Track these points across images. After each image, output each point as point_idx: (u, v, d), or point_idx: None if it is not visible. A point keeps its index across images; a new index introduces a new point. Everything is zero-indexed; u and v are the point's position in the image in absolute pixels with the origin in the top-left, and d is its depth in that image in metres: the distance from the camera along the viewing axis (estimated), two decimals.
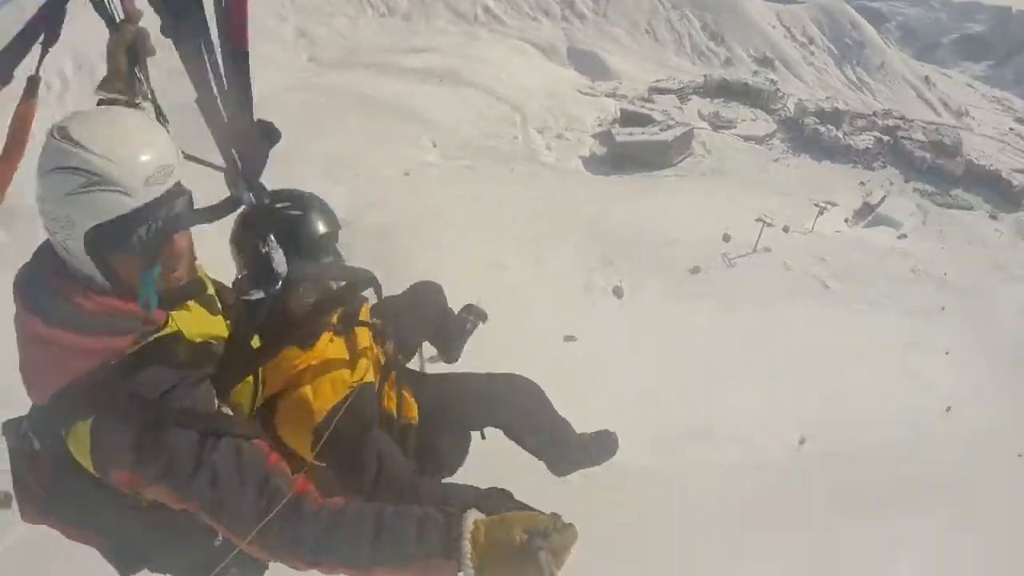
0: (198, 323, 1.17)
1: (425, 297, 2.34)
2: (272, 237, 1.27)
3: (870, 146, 8.71)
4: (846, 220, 8.45)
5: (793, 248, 7.35)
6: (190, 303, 1.18)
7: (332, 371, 1.51)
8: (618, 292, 6.28)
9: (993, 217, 8.65)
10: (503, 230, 6.72)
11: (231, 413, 1.14)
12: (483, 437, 2.07)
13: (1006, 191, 8.74)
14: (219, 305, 1.27)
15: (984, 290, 7.67)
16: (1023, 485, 5.92)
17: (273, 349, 1.36)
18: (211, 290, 1.28)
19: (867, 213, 8.35)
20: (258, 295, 1.27)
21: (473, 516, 1.04)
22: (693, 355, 5.91)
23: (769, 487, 5.10)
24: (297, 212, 1.47)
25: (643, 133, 9.69)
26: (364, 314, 1.75)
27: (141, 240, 0.99)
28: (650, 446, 4.85)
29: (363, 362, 1.61)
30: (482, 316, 3.07)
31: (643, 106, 14.79)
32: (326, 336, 1.52)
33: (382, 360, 1.78)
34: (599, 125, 9.62)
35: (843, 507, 5.08)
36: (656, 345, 5.97)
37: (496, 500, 1.47)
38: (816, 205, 7.90)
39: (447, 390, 1.97)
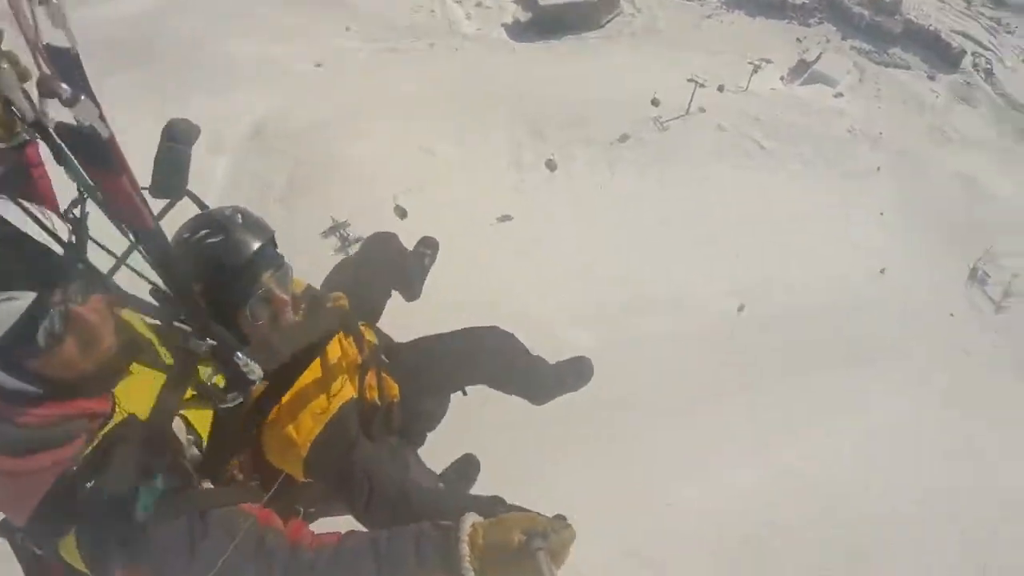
0: (146, 389, 1.14)
1: (379, 250, 2.50)
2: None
3: (806, 1, 8.27)
4: (781, 78, 7.99)
5: (727, 108, 6.87)
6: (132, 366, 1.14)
7: (310, 402, 1.49)
8: (551, 165, 5.76)
9: (931, 78, 8.28)
10: (427, 113, 6.07)
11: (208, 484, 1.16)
12: (464, 394, 2.22)
13: (944, 52, 8.36)
14: (161, 353, 1.23)
15: (920, 152, 7.36)
16: (957, 342, 5.81)
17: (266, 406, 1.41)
18: (148, 334, 1.25)
19: (803, 71, 7.89)
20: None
21: (471, 519, 1.13)
22: (630, 225, 5.50)
23: (715, 355, 4.88)
24: (218, 238, 1.47)
25: None
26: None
27: (51, 334, 0.94)
28: (593, 322, 4.65)
29: (339, 379, 1.60)
30: (435, 246, 3.44)
31: None
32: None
33: (359, 360, 1.79)
34: None
35: (792, 365, 4.95)
36: (592, 217, 5.52)
37: (489, 503, 1.50)
38: (750, 63, 7.39)
39: (423, 358, 2.07)
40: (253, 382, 1.28)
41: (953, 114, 8.02)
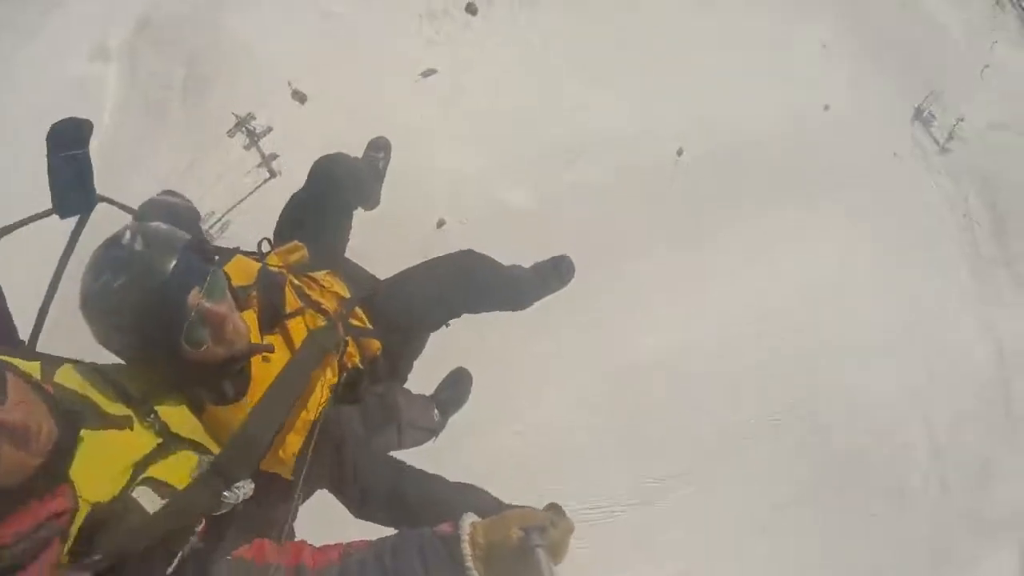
0: (104, 461, 1.03)
1: (326, 175, 2.26)
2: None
3: None
4: None
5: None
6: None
7: (296, 417, 1.43)
8: (471, 9, 5.10)
9: None
10: None
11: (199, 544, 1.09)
12: (447, 326, 2.13)
13: None
14: (106, 406, 1.12)
15: None
16: (899, 182, 5.53)
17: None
18: (85, 389, 1.12)
19: None
20: (233, 498, 1.15)
21: (470, 519, 1.15)
22: (560, 68, 4.93)
23: (656, 204, 4.51)
24: (121, 279, 1.27)
25: None
26: (290, 299, 1.63)
27: None
28: (526, 176, 4.27)
29: (318, 384, 1.53)
30: (387, 147, 3.35)
31: None
32: (258, 366, 1.42)
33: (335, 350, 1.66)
34: None
35: (733, 209, 4.65)
36: (522, 62, 4.93)
37: (491, 502, 1.58)
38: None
39: (399, 304, 1.94)
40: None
41: None
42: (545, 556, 1.05)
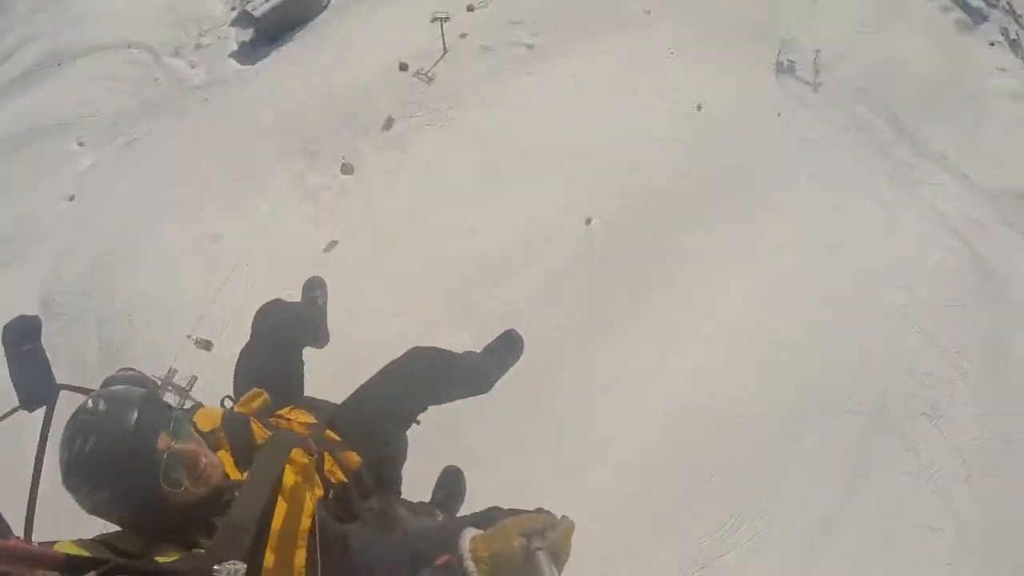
0: None
1: (270, 324, 2.31)
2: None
3: None
4: None
5: (482, 28, 6.20)
6: None
7: (290, 536, 1.38)
8: (346, 169, 5.04)
9: None
10: (196, 195, 5.11)
11: None
12: (418, 423, 2.10)
13: None
14: None
15: None
16: (792, 137, 5.48)
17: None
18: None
19: None
20: (223, 572, 1.12)
21: (470, 534, 1.15)
22: (445, 197, 4.85)
23: (576, 281, 4.41)
24: (90, 440, 1.30)
25: None
26: (257, 432, 1.65)
27: None
28: (463, 319, 4.10)
29: (306, 497, 1.48)
30: (321, 285, 3.41)
31: None
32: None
33: (309, 459, 1.58)
34: (232, 9, 7.67)
35: (649, 255, 4.52)
36: (408, 206, 4.84)
37: (487, 515, 1.62)
38: None
39: (362, 417, 1.93)
40: None
41: None
42: (547, 559, 1.03)
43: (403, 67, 5.59)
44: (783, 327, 4.17)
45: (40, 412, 1.58)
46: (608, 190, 4.53)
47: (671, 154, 4.80)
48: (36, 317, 1.55)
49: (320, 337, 2.94)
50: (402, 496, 2.13)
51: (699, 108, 5.18)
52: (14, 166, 6.59)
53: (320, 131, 5.29)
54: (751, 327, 4.14)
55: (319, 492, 1.58)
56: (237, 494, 1.37)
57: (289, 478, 1.52)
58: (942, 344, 4.42)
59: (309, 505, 1.48)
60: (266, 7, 6.66)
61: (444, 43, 5.80)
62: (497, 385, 2.71)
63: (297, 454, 1.60)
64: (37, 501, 1.55)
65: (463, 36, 6.06)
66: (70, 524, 1.46)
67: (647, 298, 4.10)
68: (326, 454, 1.74)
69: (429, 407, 2.16)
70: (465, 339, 3.91)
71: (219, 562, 1.13)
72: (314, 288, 3.39)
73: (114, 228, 5.41)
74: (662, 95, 5.26)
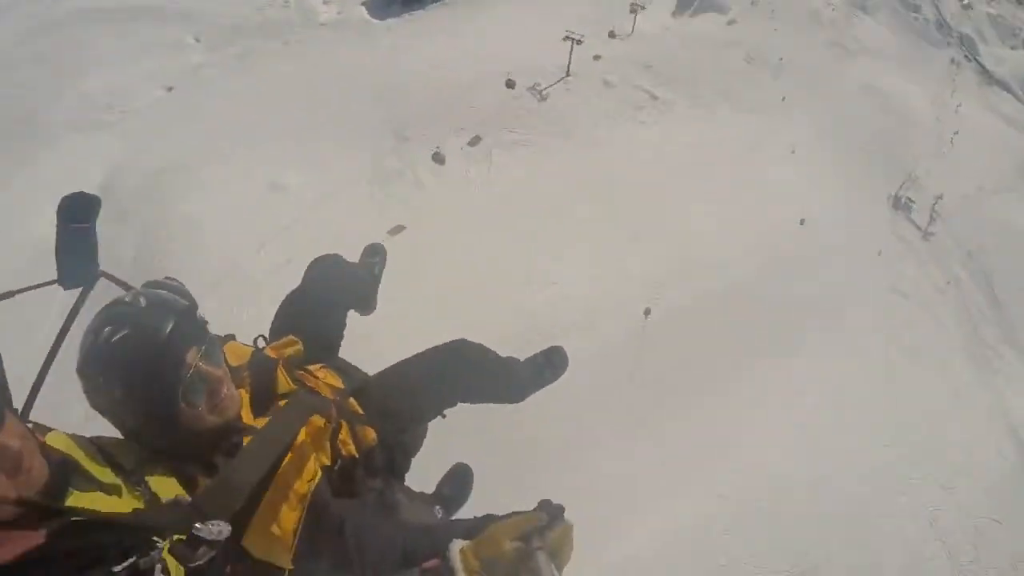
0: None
1: (323, 276, 2.15)
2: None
3: None
4: (672, 14, 6.73)
5: (612, 59, 5.65)
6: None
7: (287, 491, 1.30)
8: (438, 158, 4.55)
9: None
10: (279, 134, 4.81)
11: None
12: (443, 417, 1.95)
13: None
14: (97, 472, 1.03)
15: (823, 70, 6.24)
16: (889, 284, 4.82)
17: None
18: (85, 463, 1.04)
19: (691, 1, 6.63)
20: (209, 556, 1.00)
21: (457, 546, 1.06)
22: (517, 223, 4.36)
23: (620, 377, 3.81)
24: (122, 332, 1.20)
25: None
26: (281, 381, 1.55)
27: None
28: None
29: (311, 459, 1.40)
30: (382, 252, 3.10)
31: None
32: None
33: (327, 427, 1.51)
34: None
35: (709, 367, 3.90)
36: (476, 219, 4.36)
37: (481, 522, 1.39)
38: (632, 2, 6.10)
39: (393, 396, 1.79)
40: (222, 541, 1.00)
41: (852, 25, 6.80)
42: (545, 558, 0.97)
43: (510, 84, 5.03)
44: (801, 489, 3.60)
45: (72, 294, 1.45)
46: (681, 280, 3.93)
47: (757, 263, 4.22)
48: (96, 196, 1.39)
49: (369, 304, 2.72)
50: (406, 484, 1.94)
51: (802, 223, 4.53)
52: (129, 38, 6.26)
53: (417, 116, 4.81)
54: (769, 480, 3.58)
55: (325, 460, 1.47)
56: (245, 445, 1.23)
57: (300, 435, 1.41)
58: (962, 563, 3.81)
59: (312, 469, 1.38)
60: None
61: (569, 65, 5.22)
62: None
63: (315, 418, 1.48)
64: (44, 384, 1.35)
65: (595, 59, 5.49)
66: (74, 419, 1.31)
67: (679, 420, 3.54)
68: (343, 424, 1.60)
69: (458, 403, 1.98)
70: None
71: (203, 520, 1.00)
72: (374, 254, 3.05)
73: (193, 141, 5.03)
74: (769, 195, 4.63)
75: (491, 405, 2.29)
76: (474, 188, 4.47)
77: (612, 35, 5.57)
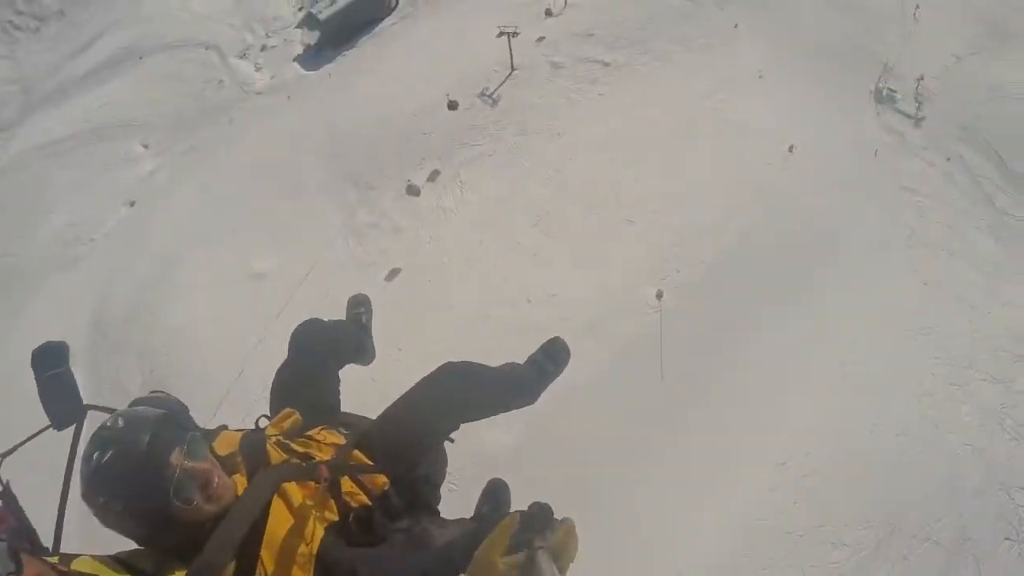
0: None
1: (309, 342, 2.11)
2: None
3: None
4: None
5: (554, 40, 5.22)
6: None
7: (293, 555, 1.30)
8: (412, 190, 4.20)
9: None
10: (244, 222, 4.51)
11: None
12: (451, 441, 1.88)
13: None
14: None
15: None
16: (897, 182, 4.39)
17: None
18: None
19: None
20: None
21: None
22: (504, 239, 4.03)
23: (649, 363, 3.45)
24: (107, 454, 1.24)
25: None
26: (272, 455, 1.54)
27: None
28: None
29: (311, 519, 1.39)
30: (366, 302, 3.10)
31: None
32: None
33: (317, 485, 1.46)
34: (300, 9, 6.73)
35: (733, 332, 3.55)
36: (463, 247, 4.04)
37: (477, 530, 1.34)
38: None
39: (392, 434, 1.73)
40: None
41: None
42: (547, 559, 0.92)
43: (452, 106, 4.63)
44: (863, 438, 3.24)
45: (69, 432, 1.52)
46: (683, 253, 3.57)
47: (759, 209, 3.81)
48: (62, 342, 1.48)
49: (366, 354, 2.68)
50: (439, 515, 1.83)
51: (791, 150, 4.11)
52: (82, 164, 6.01)
53: (372, 161, 4.48)
54: (826, 439, 3.22)
55: (332, 517, 1.45)
56: (218, 527, 1.21)
57: (297, 497, 1.38)
58: None
59: (314, 530, 1.35)
60: (331, 10, 5.78)
61: (512, 60, 4.81)
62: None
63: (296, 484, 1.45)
64: (66, 516, 1.45)
65: (537, 43, 5.07)
66: (99, 539, 1.36)
67: (719, 399, 3.18)
68: (343, 480, 1.55)
69: (460, 423, 1.88)
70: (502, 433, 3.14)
71: None
72: (358, 305, 3.02)
73: (165, 248, 4.76)
74: (750, 131, 4.21)
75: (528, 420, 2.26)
76: (451, 216, 4.13)
77: (549, 13, 5.14)
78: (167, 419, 1.33)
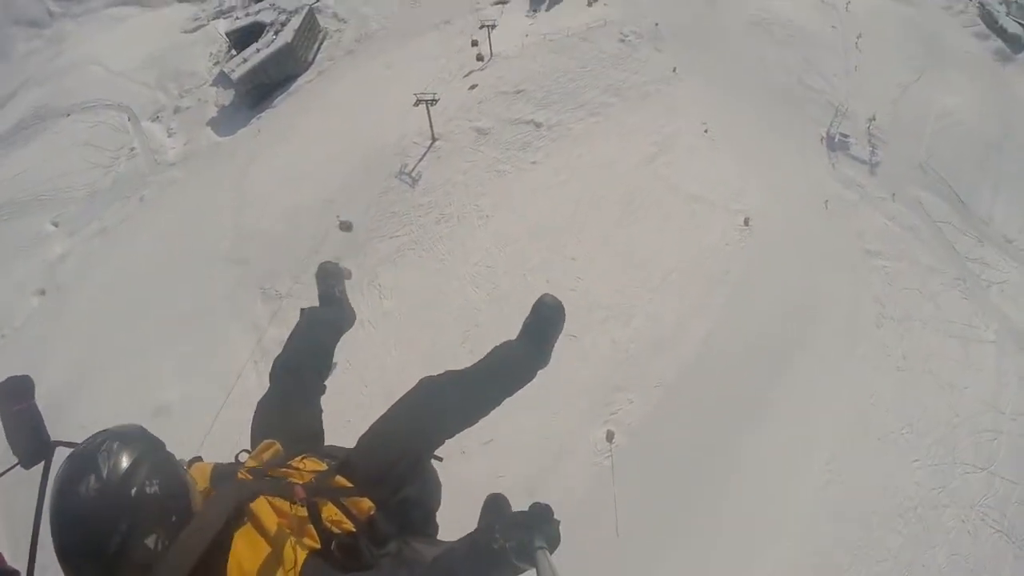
0: None
1: (291, 372, 1.64)
2: None
3: None
4: (529, 15, 5.14)
5: (482, 96, 4.15)
6: None
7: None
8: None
9: None
10: (147, 335, 3.52)
11: None
12: (440, 460, 1.50)
13: None
14: None
15: (703, 20, 4.68)
16: (856, 245, 3.52)
17: None
18: None
19: None
20: None
21: None
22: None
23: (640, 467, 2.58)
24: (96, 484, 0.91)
25: (258, 51, 5.04)
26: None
27: None
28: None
29: (288, 544, 1.08)
30: (336, 272, 2.19)
31: (248, 12, 6.30)
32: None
33: (303, 512, 1.16)
34: (215, 63, 5.59)
35: (680, 473, 2.74)
36: (399, 352, 3.01)
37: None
38: (482, 24, 4.57)
39: (372, 458, 1.38)
40: None
41: None
42: (547, 557, 0.84)
43: (345, 227, 3.52)
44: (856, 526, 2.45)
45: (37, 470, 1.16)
46: (636, 375, 2.63)
47: (720, 304, 3.02)
48: (26, 376, 1.16)
49: (347, 325, 1.88)
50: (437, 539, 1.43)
51: (746, 223, 3.20)
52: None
53: (283, 259, 3.39)
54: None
55: (313, 544, 1.14)
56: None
57: (269, 516, 1.08)
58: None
59: (295, 556, 1.05)
60: (243, 69, 4.62)
61: (432, 130, 3.72)
62: None
63: (284, 504, 1.14)
64: (38, 552, 1.05)
65: (458, 108, 4.01)
66: None
67: (685, 551, 2.40)
68: (323, 506, 1.21)
69: (456, 431, 1.42)
70: None
71: None
72: (328, 276, 2.10)
73: (69, 365, 3.64)
74: (700, 200, 3.29)
75: None
76: (369, 332, 3.12)
77: (480, 58, 4.06)
78: (149, 450, 0.99)
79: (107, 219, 4.50)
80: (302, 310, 2.58)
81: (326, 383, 1.97)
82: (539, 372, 1.94)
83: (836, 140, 3.98)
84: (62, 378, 3.71)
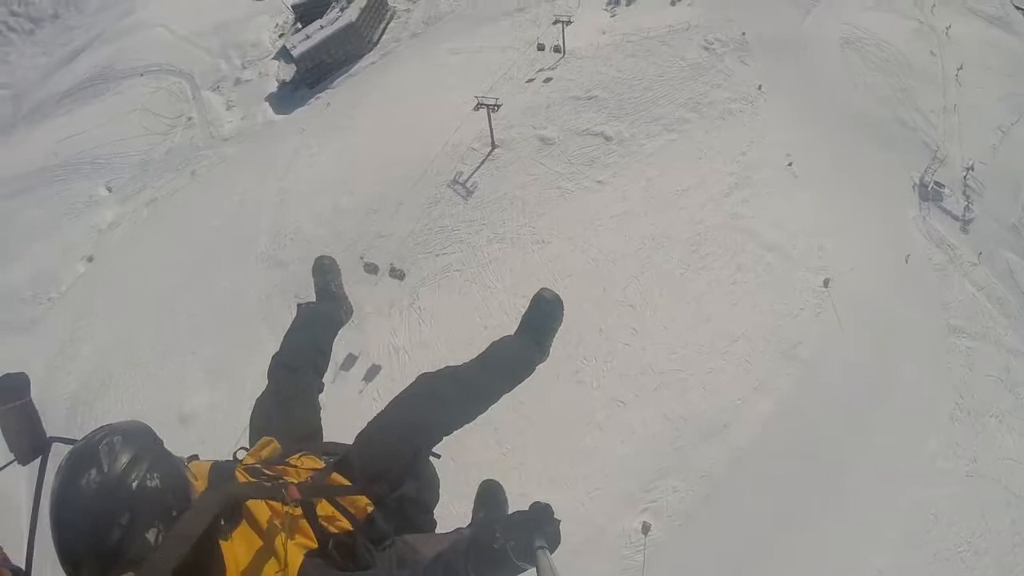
0: None
1: (290, 370, 1.38)
2: None
3: None
4: (609, 9, 4.45)
5: (546, 100, 3.53)
6: None
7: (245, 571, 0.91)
8: (397, 272, 2.70)
9: None
10: (179, 335, 3.17)
11: None
12: (438, 457, 1.27)
13: None
14: None
15: (793, 34, 3.93)
16: (937, 319, 2.89)
17: None
18: None
19: None
20: None
21: None
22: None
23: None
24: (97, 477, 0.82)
25: (321, 28, 4.53)
26: (241, 480, 1.06)
27: None
28: None
29: (279, 539, 0.96)
30: (332, 268, 1.76)
31: None
32: (227, 548, 0.92)
33: (297, 512, 1.00)
34: (280, 35, 5.04)
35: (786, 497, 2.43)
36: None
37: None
38: (556, 20, 3.92)
39: (370, 456, 1.17)
40: None
41: None
42: (547, 557, 0.76)
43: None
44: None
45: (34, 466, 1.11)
46: (684, 460, 2.16)
47: (785, 385, 2.48)
48: (22, 374, 1.09)
49: (344, 320, 1.56)
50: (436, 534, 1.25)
51: (826, 284, 2.58)
52: (49, 204, 4.51)
53: (301, 248, 2.93)
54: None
55: (310, 543, 1.01)
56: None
57: (263, 512, 0.96)
58: None
59: (289, 554, 0.94)
60: (305, 46, 4.11)
61: (492, 137, 3.15)
62: None
63: (276, 505, 1.00)
64: (35, 544, 0.97)
65: (546, 82, 3.44)
66: None
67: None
68: (319, 504, 1.05)
69: (451, 427, 1.20)
70: None
71: None
72: (325, 272, 1.67)
73: (105, 346, 3.37)
74: (778, 251, 2.68)
75: None
76: (404, 361, 2.64)
77: (539, 71, 3.45)
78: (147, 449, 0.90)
79: (158, 189, 4.11)
80: (299, 306, 2.23)
81: (323, 381, 1.72)
82: (539, 369, 1.67)
83: (930, 189, 3.29)
84: (89, 371, 3.41)
